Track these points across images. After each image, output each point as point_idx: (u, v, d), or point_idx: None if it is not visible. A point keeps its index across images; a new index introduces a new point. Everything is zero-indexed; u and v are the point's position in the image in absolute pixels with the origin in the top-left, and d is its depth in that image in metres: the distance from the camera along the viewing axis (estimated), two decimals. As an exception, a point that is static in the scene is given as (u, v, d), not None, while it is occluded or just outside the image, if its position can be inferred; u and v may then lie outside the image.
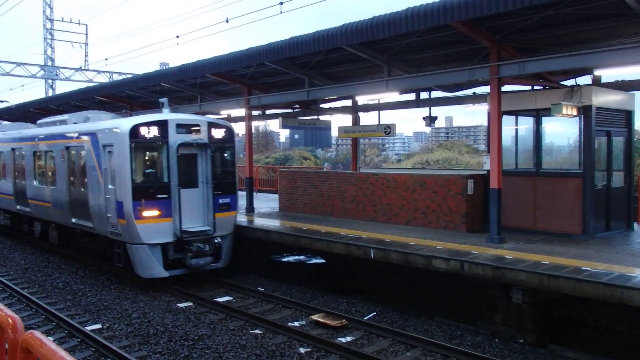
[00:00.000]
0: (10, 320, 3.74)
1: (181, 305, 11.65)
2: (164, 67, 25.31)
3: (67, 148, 15.19)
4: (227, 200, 13.50)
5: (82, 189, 14.44)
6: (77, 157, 14.77)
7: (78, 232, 15.46)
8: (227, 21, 20.76)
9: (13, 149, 19.46)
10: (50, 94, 37.55)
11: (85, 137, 14.15)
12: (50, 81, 38.66)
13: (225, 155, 13.87)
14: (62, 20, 40.17)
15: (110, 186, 12.81)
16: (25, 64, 35.36)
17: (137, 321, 10.60)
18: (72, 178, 15.15)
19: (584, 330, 9.78)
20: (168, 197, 12.51)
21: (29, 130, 19.85)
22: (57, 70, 38.00)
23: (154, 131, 12.52)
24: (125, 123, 12.69)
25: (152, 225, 12.30)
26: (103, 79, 37.01)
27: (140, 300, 12.05)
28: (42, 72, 37.09)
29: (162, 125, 12.65)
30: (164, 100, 14.03)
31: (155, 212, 12.35)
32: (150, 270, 12.46)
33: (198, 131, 13.19)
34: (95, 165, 13.49)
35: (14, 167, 19.55)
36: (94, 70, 37.92)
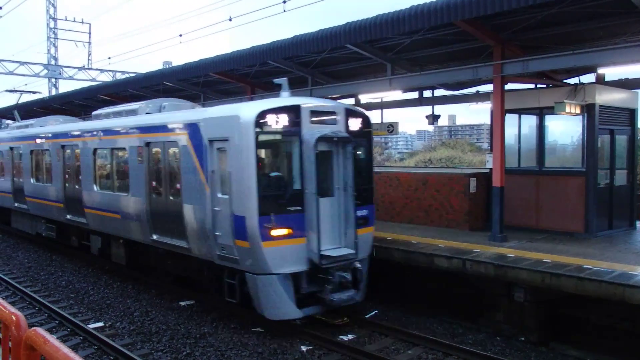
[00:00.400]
0: (14, 318, 3.77)
1: (183, 303, 11.67)
2: (167, 66, 25.32)
3: (148, 144, 11.85)
4: (364, 212, 10.31)
5: (172, 198, 11.16)
6: (164, 156, 11.46)
7: (161, 253, 12.15)
8: (230, 20, 20.74)
9: (63, 146, 15.86)
10: (53, 92, 37.64)
11: (179, 130, 10.86)
12: (53, 80, 38.74)
13: (360, 152, 10.71)
14: (66, 19, 40.28)
15: (220, 195, 9.69)
16: (29, 63, 35.40)
17: (139, 319, 10.64)
18: (154, 183, 11.79)
19: (585, 328, 9.76)
20: (302, 209, 9.43)
21: (86, 123, 16.27)
22: (61, 69, 38.04)
23: (283, 120, 9.42)
24: (247, 109, 9.50)
25: (282, 248, 9.25)
26: (106, 77, 37.02)
27: (142, 299, 12.08)
28: (45, 71, 37.12)
29: (294, 112, 9.57)
30: (282, 81, 10.72)
31: (286, 231, 9.32)
32: (280, 310, 9.32)
33: (333, 121, 10.10)
34: (195, 167, 10.25)
35: (63, 169, 15.90)
36: (97, 69, 37.96)
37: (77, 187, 15.09)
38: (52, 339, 3.27)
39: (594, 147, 12.01)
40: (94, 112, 15.74)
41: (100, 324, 10.37)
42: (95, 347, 9.19)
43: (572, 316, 9.98)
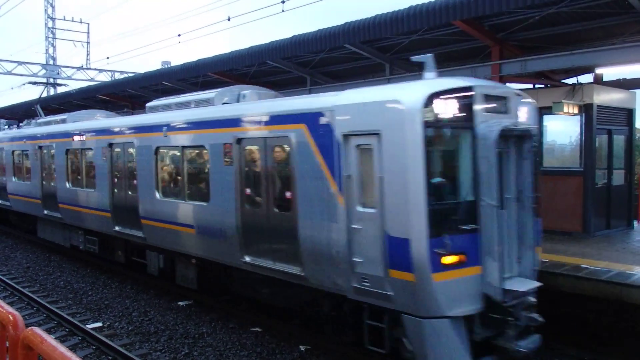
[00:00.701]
0: (11, 317, 3.77)
1: (181, 303, 11.67)
2: (166, 66, 25.31)
3: (239, 141, 9.35)
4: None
5: (278, 210, 8.72)
6: (265, 156, 8.96)
7: (256, 278, 9.60)
8: (228, 20, 20.72)
9: (110, 145, 13.20)
10: (52, 92, 37.62)
11: (291, 122, 8.36)
12: (51, 80, 38.73)
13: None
14: (64, 19, 40.26)
15: (361, 208, 7.33)
16: (27, 62, 35.39)
17: (137, 319, 10.63)
18: (249, 190, 9.27)
19: (585, 328, 9.77)
20: (477, 227, 7.01)
21: (142, 117, 13.30)
22: (59, 69, 38.02)
23: (453, 107, 6.98)
24: (409, 92, 7.06)
25: (455, 281, 6.86)
26: (105, 77, 36.98)
27: (141, 299, 12.07)
28: (43, 71, 37.11)
29: (467, 96, 7.14)
30: (425, 57, 7.74)
31: (458, 257, 6.91)
32: None
33: (505, 109, 7.60)
34: (320, 170, 7.81)
35: (111, 171, 13.20)
36: (95, 69, 37.95)
37: (130, 193, 12.51)
38: (49, 339, 3.27)
39: (591, 147, 12.03)
40: (149, 104, 13.02)
41: (99, 324, 10.37)
42: (94, 347, 9.19)
43: (571, 316, 9.98)
